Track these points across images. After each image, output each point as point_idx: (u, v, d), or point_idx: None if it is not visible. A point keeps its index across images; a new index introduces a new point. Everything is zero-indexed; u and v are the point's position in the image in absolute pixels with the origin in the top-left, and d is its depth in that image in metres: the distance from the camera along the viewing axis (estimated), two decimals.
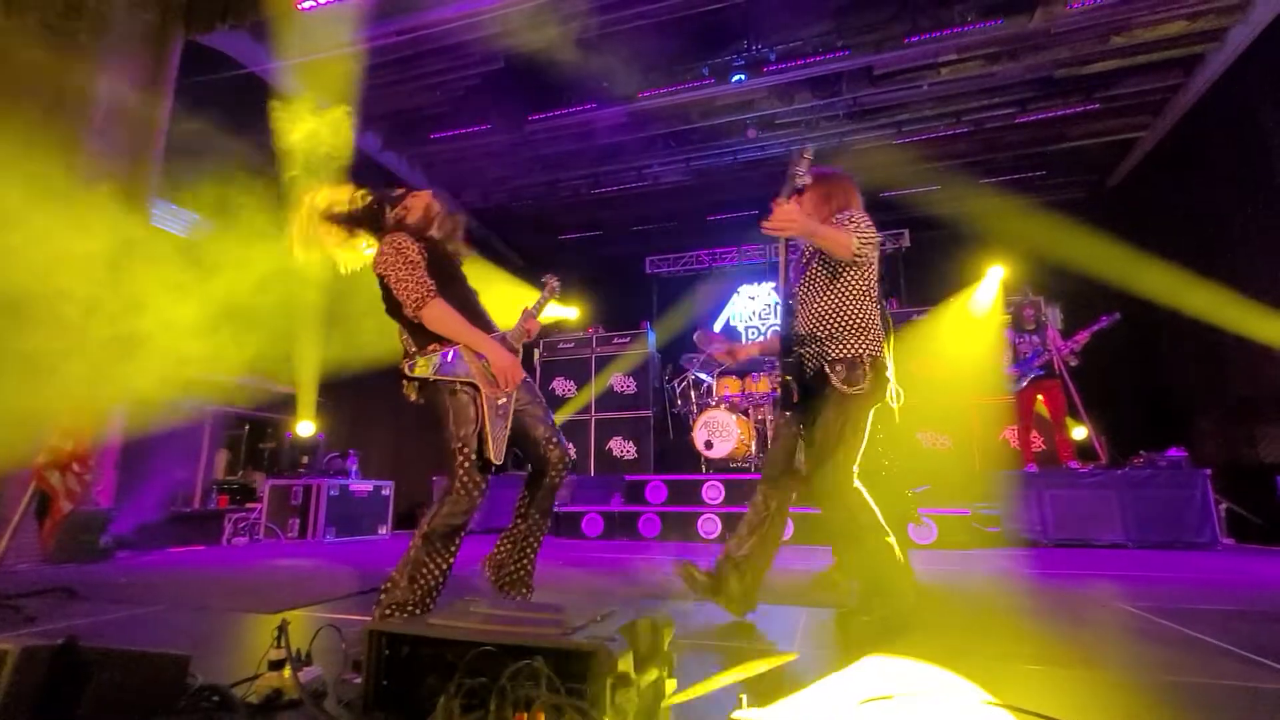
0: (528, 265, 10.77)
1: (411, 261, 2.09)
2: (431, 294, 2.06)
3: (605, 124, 7.02)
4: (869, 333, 2.15)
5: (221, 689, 1.27)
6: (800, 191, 2.21)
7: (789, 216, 1.95)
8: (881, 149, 7.25)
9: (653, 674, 1.25)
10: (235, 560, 4.25)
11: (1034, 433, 6.01)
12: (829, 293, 2.19)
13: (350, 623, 2.16)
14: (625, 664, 1.10)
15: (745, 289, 9.55)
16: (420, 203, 2.33)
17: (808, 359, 2.19)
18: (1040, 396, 5.82)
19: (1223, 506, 5.13)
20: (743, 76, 6.13)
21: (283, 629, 1.33)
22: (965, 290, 7.27)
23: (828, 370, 2.11)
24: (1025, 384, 5.80)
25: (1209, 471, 4.99)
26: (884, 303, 3.20)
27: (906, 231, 8.75)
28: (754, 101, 6.76)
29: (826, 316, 2.17)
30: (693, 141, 7.52)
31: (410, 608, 2.00)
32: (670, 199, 8.83)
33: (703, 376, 7.37)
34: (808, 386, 2.18)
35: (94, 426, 4.15)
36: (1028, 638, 2.08)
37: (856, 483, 2.10)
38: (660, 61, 6.18)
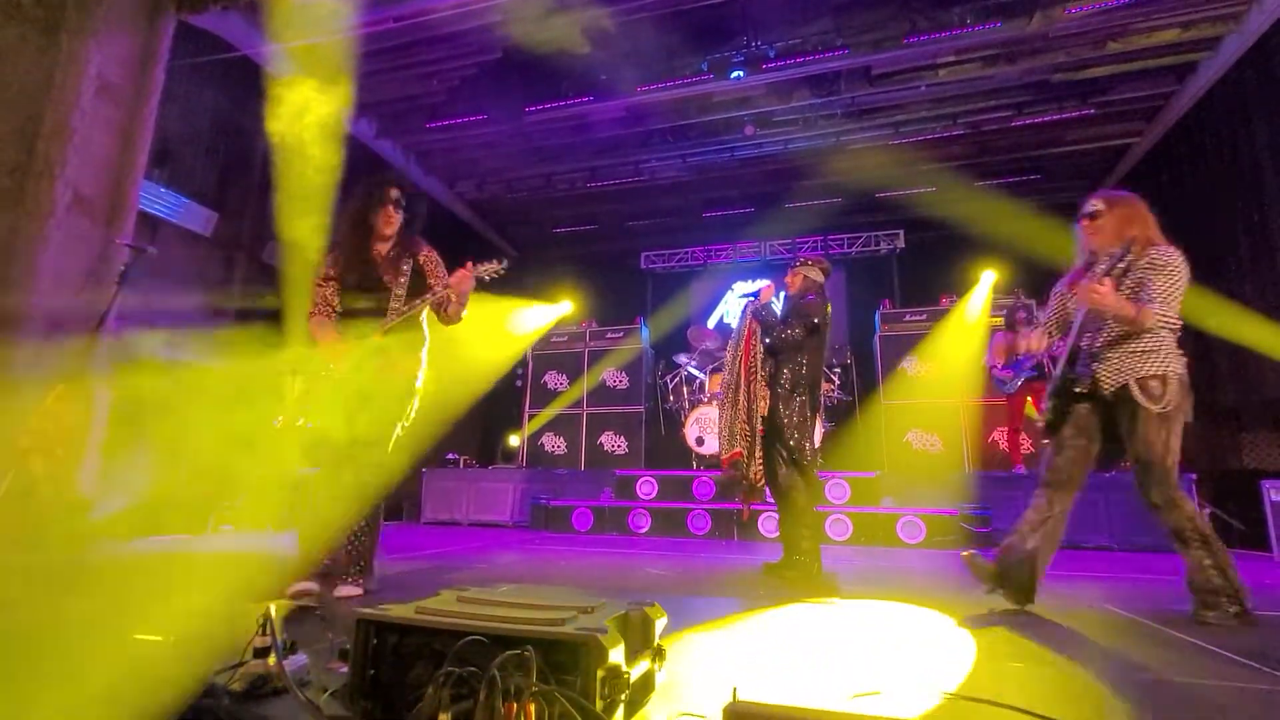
0: (521, 258, 10.73)
1: (315, 280, 2.64)
2: (308, 315, 2.62)
3: (602, 117, 6.98)
4: (1171, 353, 2.30)
5: (205, 676, 1.25)
6: (1092, 217, 2.44)
7: (1105, 296, 2.17)
8: (878, 149, 7.26)
9: (643, 665, 1.24)
10: (220, 548, 4.21)
11: (1023, 435, 6.06)
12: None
13: (336, 611, 2.14)
14: (616, 655, 1.09)
15: (739, 286, 9.57)
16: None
17: (1105, 375, 2.35)
18: (1030, 399, 5.86)
19: (1206, 511, 5.19)
20: (741, 73, 6.11)
21: (268, 616, 1.31)
22: (959, 292, 7.32)
23: (1136, 388, 2.27)
24: (1017, 386, 5.84)
25: (1194, 476, 5.05)
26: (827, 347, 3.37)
27: (901, 232, 8.79)
28: (752, 98, 6.74)
29: (1129, 336, 2.32)
30: (690, 137, 7.50)
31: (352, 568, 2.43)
32: (666, 194, 8.80)
33: (695, 373, 7.37)
34: (1102, 401, 2.37)
35: (78, 410, 4.08)
36: (1012, 636, 2.09)
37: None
38: (659, 56, 6.15)
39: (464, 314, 2.70)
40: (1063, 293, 2.66)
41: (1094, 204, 2.52)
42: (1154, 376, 2.26)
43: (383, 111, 7.10)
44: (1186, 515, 2.25)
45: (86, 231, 4.02)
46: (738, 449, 3.16)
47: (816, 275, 3.49)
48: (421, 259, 2.69)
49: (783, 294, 3.69)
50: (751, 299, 3.56)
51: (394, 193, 2.67)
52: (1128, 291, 2.34)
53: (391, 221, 2.67)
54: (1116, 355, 2.34)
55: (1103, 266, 2.33)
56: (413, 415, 2.66)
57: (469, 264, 2.63)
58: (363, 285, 2.60)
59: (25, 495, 3.48)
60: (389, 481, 2.58)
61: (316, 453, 2.53)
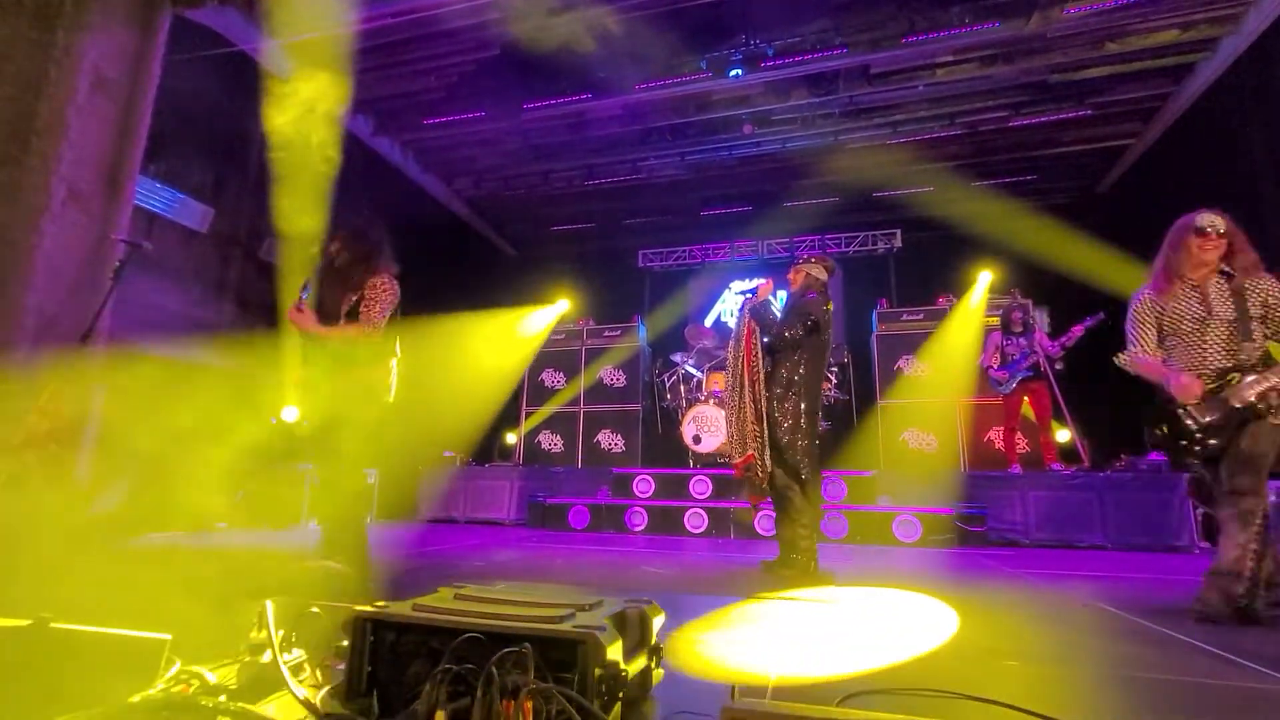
0: (520, 255, 10.71)
1: None
2: None
3: (601, 115, 6.97)
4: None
5: (201, 672, 1.25)
6: (1220, 234, 2.53)
7: None
8: (876, 148, 7.26)
9: (641, 663, 1.25)
10: (219, 544, 4.20)
11: (1018, 434, 6.07)
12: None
13: (334, 608, 2.14)
14: (614, 653, 1.09)
15: (737, 284, 9.56)
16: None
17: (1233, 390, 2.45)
18: (1026, 398, 5.88)
19: (1200, 510, 5.22)
20: (740, 71, 6.10)
21: (266, 612, 1.31)
22: (955, 292, 7.34)
23: (1256, 400, 2.39)
24: (1013, 386, 5.86)
25: (1189, 475, 5.07)
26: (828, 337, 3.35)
27: (898, 231, 8.80)
28: (751, 97, 6.74)
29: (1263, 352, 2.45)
30: (688, 135, 7.49)
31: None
32: (664, 193, 8.79)
33: (692, 371, 7.37)
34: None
35: (74, 406, 4.06)
36: (1007, 634, 2.10)
37: None
38: (658, 54, 6.13)
39: (337, 336, 2.78)
40: (1152, 300, 2.65)
41: (1217, 221, 2.57)
42: (1274, 389, 2.39)
43: (380, 108, 7.07)
44: (1264, 502, 2.37)
45: (81, 227, 4.00)
46: (750, 452, 3.15)
47: (819, 273, 3.46)
48: (365, 288, 2.80)
49: (784, 291, 3.66)
50: (749, 297, 3.53)
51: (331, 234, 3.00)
52: (1257, 312, 2.48)
53: (339, 254, 2.88)
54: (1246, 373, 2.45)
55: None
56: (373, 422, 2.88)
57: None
58: (324, 312, 2.84)
59: (22, 493, 3.47)
60: (355, 476, 2.82)
61: (276, 445, 2.75)
